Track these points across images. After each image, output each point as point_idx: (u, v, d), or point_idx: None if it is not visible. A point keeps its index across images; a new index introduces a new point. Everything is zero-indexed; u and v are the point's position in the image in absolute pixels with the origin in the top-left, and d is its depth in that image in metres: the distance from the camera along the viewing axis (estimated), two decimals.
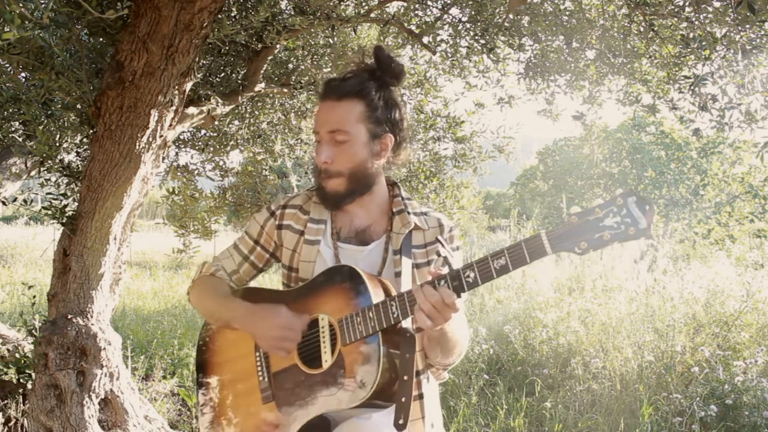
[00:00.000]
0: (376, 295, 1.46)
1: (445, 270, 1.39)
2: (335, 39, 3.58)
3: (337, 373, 1.46)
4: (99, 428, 2.74)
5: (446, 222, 1.68)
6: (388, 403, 1.46)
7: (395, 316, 1.41)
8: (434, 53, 3.39)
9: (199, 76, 2.81)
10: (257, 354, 1.62)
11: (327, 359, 1.48)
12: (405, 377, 1.41)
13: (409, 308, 1.41)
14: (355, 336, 1.44)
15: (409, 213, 1.65)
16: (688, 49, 2.52)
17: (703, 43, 2.37)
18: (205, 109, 3.08)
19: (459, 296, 1.36)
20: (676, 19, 2.52)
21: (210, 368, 1.74)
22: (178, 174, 4.12)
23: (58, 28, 2.03)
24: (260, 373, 1.61)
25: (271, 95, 3.91)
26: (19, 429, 3.16)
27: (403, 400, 1.40)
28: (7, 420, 3.16)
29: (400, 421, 1.39)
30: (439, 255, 1.42)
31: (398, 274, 1.57)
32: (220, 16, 2.54)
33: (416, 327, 1.46)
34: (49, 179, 3.02)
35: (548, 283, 5.73)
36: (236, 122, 4.08)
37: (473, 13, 3.17)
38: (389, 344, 1.44)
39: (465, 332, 1.59)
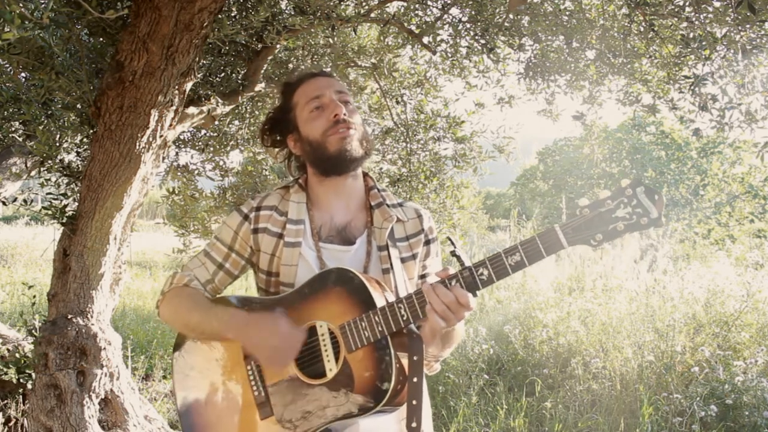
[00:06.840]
0: (379, 298, 1.41)
1: (451, 269, 1.36)
2: (335, 39, 3.58)
3: (345, 382, 1.40)
4: (99, 428, 2.74)
5: (424, 212, 1.65)
6: (396, 407, 1.42)
7: (405, 318, 1.36)
8: (434, 53, 3.39)
9: (199, 76, 2.81)
10: (248, 366, 1.52)
11: (331, 368, 1.41)
12: (414, 379, 1.37)
13: (420, 310, 1.36)
14: (362, 342, 1.38)
15: (388, 206, 1.60)
16: (688, 49, 2.52)
17: (703, 43, 2.37)
18: (205, 109, 3.08)
19: (474, 295, 1.34)
20: (676, 19, 2.52)
21: (193, 386, 1.60)
22: (178, 174, 4.12)
23: (58, 28, 2.03)
24: (254, 387, 1.50)
25: (271, 95, 3.91)
26: (19, 429, 3.17)
27: (414, 402, 1.36)
28: (7, 420, 3.16)
29: (413, 425, 1.35)
30: (453, 255, 1.37)
31: (386, 271, 1.52)
32: (220, 16, 2.54)
33: (420, 325, 1.43)
34: (49, 179, 3.02)
35: (548, 283, 5.73)
36: (236, 122, 4.08)
37: (473, 13, 3.17)
38: (396, 347, 1.39)
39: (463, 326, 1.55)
